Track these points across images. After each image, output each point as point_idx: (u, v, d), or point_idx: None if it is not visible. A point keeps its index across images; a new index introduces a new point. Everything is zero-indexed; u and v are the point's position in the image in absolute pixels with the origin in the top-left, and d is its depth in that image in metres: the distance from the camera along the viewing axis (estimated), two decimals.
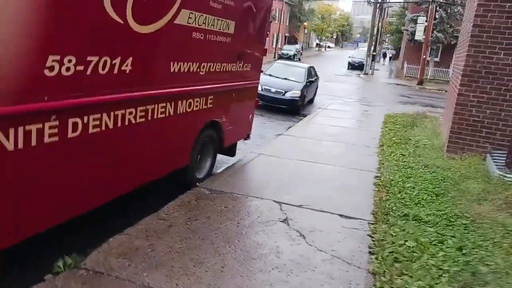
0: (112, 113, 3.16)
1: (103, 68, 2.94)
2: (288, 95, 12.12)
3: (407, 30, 33.57)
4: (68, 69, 2.61)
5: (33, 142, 2.47)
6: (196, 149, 4.82)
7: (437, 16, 28.59)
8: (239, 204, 4.40)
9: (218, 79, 4.85)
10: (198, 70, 4.34)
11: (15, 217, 2.57)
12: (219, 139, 5.40)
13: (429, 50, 29.92)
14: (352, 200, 4.93)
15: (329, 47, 75.50)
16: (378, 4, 33.44)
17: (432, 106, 16.84)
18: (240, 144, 6.98)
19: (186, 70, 4.09)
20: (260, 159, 6.38)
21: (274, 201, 4.59)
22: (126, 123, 3.37)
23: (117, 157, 3.41)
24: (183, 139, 4.46)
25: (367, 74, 31.81)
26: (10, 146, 2.32)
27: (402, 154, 7.08)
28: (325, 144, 7.90)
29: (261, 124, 10.27)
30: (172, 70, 3.86)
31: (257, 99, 6.45)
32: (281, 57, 34.98)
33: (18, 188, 2.52)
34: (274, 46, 43.18)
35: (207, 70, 4.50)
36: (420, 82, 27.26)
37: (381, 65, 46.59)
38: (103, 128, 3.10)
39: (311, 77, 13.89)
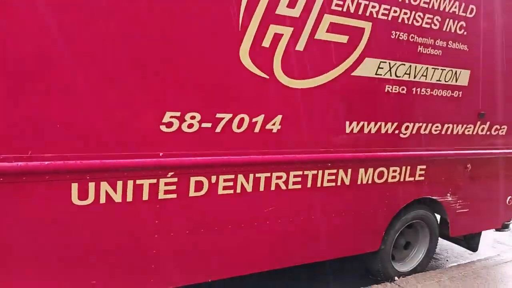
0: (251, 175, 2.84)
1: (239, 127, 2.70)
2: None
3: None
4: (190, 126, 2.53)
5: (145, 197, 2.49)
6: (394, 233, 3.72)
7: None
8: None
9: (436, 145, 3.66)
10: (396, 131, 3.40)
11: None
12: (442, 224, 4.02)
13: None
14: None
15: None
16: None
17: None
18: (504, 236, 5.04)
19: (373, 131, 3.27)
20: None
21: None
22: (273, 188, 2.96)
23: (260, 224, 3.00)
24: (368, 216, 3.52)
25: None
26: (117, 198, 2.41)
27: None
28: None
29: None
30: (348, 130, 3.17)
31: None
32: None
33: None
34: None
35: (412, 132, 3.47)
36: None
37: None
38: (239, 190, 2.82)
39: None
